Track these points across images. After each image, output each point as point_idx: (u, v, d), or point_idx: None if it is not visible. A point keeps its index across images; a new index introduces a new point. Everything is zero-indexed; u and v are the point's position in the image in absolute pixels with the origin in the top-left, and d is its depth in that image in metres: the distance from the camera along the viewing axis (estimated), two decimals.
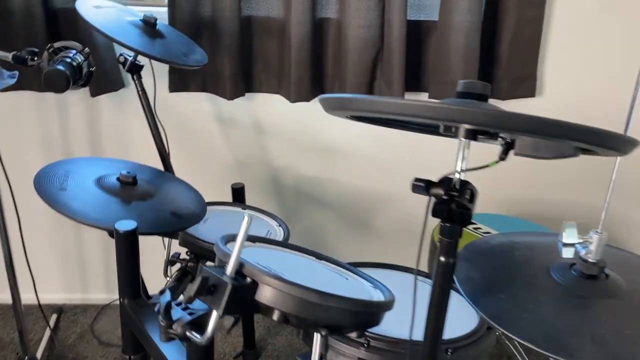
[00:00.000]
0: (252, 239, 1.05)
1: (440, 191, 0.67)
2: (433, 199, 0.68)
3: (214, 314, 0.82)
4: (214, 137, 2.07)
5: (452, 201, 0.67)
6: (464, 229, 1.68)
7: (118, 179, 1.32)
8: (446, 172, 0.67)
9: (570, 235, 0.81)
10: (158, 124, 1.60)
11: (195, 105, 2.02)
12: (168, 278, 1.58)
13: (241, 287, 0.81)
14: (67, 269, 2.27)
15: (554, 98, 2.04)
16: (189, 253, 1.58)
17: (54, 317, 2.20)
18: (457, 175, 0.67)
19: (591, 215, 2.21)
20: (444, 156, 2.08)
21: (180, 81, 1.92)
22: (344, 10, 1.84)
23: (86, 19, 1.32)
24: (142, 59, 1.56)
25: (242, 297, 0.82)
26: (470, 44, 1.83)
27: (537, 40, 1.94)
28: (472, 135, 0.66)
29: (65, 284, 2.29)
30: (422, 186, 0.67)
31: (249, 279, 0.83)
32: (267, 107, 2.04)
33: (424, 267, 1.82)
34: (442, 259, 0.72)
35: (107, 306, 2.29)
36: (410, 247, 2.24)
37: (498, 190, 2.16)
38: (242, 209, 1.70)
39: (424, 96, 2.01)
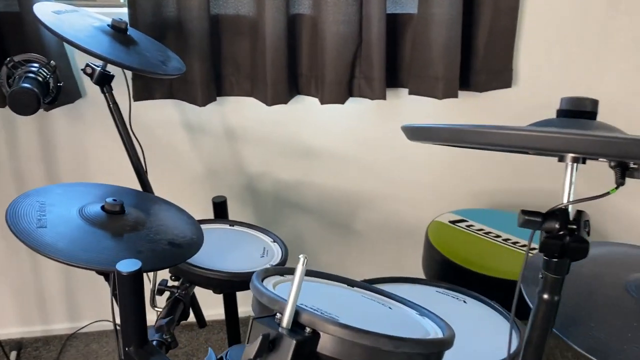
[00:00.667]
0: (282, 271, 0.95)
1: (554, 225, 0.59)
2: (542, 233, 0.60)
3: None
4: (183, 147, 1.92)
5: (567, 235, 0.60)
6: (456, 226, 1.64)
7: (103, 208, 1.17)
8: (556, 204, 0.60)
9: None
10: (133, 139, 1.44)
11: (160, 113, 1.86)
12: (156, 309, 1.43)
13: (304, 341, 0.70)
14: (23, 299, 2.05)
15: (528, 88, 2.04)
16: (173, 278, 1.45)
17: (13, 354, 1.99)
18: (564, 205, 0.60)
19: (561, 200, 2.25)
20: (422, 156, 2.06)
21: (145, 89, 1.76)
22: (320, 6, 1.73)
23: (53, 28, 1.14)
24: (111, 68, 1.39)
25: (304, 351, 0.71)
26: (452, 38, 1.78)
27: (513, 31, 1.92)
28: (581, 160, 0.58)
29: (22, 316, 2.08)
30: (538, 221, 0.59)
31: (308, 329, 0.72)
32: (239, 111, 1.91)
33: (418, 265, 1.78)
34: (546, 296, 0.65)
35: (72, 336, 2.10)
36: (390, 249, 2.21)
37: (473, 184, 2.15)
38: (230, 225, 1.57)
39: (403, 92, 1.94)
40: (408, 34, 1.87)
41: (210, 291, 1.36)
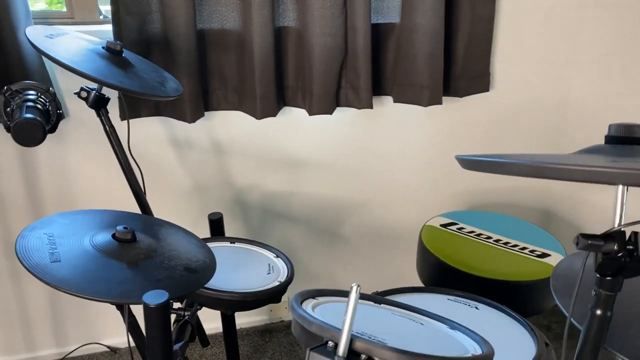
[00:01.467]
0: (314, 294, 0.96)
1: (613, 247, 0.63)
2: (599, 255, 0.64)
3: None
4: (172, 163, 1.89)
5: (624, 256, 0.63)
6: (448, 230, 1.68)
7: (114, 236, 1.15)
8: (610, 228, 0.64)
9: None
10: (131, 161, 1.41)
11: (147, 131, 1.83)
12: None
13: None
14: (6, 326, 1.97)
15: (505, 91, 2.11)
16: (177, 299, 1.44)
17: None
18: (617, 227, 0.63)
19: (546, 197, 2.35)
20: (408, 162, 2.10)
21: (131, 107, 1.72)
22: (306, 19, 1.74)
23: (51, 54, 1.11)
24: (105, 91, 1.36)
25: None
26: (436, 47, 1.83)
27: (490, 39, 1.98)
28: None
29: (6, 345, 2.00)
30: (598, 245, 0.62)
31: (363, 356, 0.74)
32: (226, 125, 1.90)
33: (411, 266, 1.82)
34: (599, 312, 0.68)
35: None
36: (380, 255, 2.24)
37: (457, 186, 2.21)
38: (231, 242, 1.57)
39: (387, 100, 1.98)
40: (391, 43, 1.90)
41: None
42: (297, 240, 2.13)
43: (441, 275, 1.66)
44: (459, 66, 1.96)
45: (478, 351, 0.84)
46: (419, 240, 1.78)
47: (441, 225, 1.84)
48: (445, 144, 2.12)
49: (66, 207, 1.84)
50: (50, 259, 1.05)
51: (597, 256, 0.65)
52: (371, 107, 1.87)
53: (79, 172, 1.81)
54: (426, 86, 1.86)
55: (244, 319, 2.21)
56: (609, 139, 0.65)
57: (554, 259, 1.62)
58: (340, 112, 1.95)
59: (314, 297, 0.96)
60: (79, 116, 1.72)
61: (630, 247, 0.63)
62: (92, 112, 1.72)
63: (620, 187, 0.62)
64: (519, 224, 1.87)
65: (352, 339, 0.74)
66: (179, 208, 1.94)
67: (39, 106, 1.12)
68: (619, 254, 0.63)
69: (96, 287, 1.01)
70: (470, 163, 0.66)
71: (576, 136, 2.19)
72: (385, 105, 2.00)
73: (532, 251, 1.69)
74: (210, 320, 1.92)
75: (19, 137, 1.03)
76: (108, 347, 2.11)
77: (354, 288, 0.74)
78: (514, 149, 2.21)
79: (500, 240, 1.76)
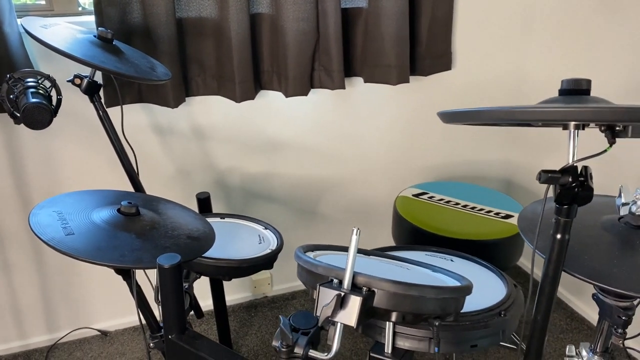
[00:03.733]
0: (312, 247, 1.07)
1: (568, 179, 0.76)
2: (557, 187, 0.77)
3: (339, 329, 0.85)
4: (155, 148, 1.96)
5: (577, 186, 0.77)
6: (419, 199, 1.82)
7: (119, 211, 1.23)
8: (564, 164, 0.77)
9: (626, 196, 0.97)
10: (125, 144, 1.49)
11: (130, 118, 1.90)
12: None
13: (366, 297, 0.84)
14: None
15: (465, 69, 2.27)
16: None
17: None
18: (571, 162, 0.77)
19: (507, 168, 2.53)
20: (381, 138, 2.23)
21: (116, 95, 1.79)
22: (280, 4, 1.84)
23: (52, 44, 1.18)
24: (98, 77, 1.43)
25: (365, 306, 0.85)
26: (401, 28, 1.95)
27: (450, 19, 2.12)
28: (581, 126, 0.75)
29: None
30: (556, 177, 0.75)
31: (365, 288, 0.86)
32: (206, 110, 1.99)
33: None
34: (559, 236, 0.82)
35: (53, 347, 2.09)
36: (357, 227, 2.36)
37: (427, 160, 2.36)
38: (221, 218, 1.67)
39: (358, 80, 2.10)
40: (359, 26, 2.02)
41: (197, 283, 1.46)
42: (279, 218, 2.24)
43: (416, 240, 1.80)
44: (423, 47, 2.10)
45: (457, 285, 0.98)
46: (393, 209, 1.91)
47: (413, 195, 1.98)
48: (413, 120, 2.26)
49: (54, 194, 1.89)
50: (64, 232, 1.13)
51: (556, 188, 0.79)
52: (344, 88, 1.99)
53: (64, 158, 1.86)
54: (394, 66, 1.99)
55: (229, 296, 2.31)
56: (562, 92, 0.79)
57: (517, 219, 1.79)
58: (315, 94, 2.06)
59: (312, 250, 1.08)
60: (62, 105, 1.78)
61: (582, 178, 0.77)
62: (77, 100, 1.79)
63: (572, 128, 0.75)
64: (484, 191, 2.03)
65: (354, 275, 0.87)
66: (164, 192, 2.02)
67: (41, 92, 1.19)
68: (573, 184, 0.76)
69: (111, 255, 1.10)
70: (449, 116, 0.78)
71: None
72: (357, 85, 2.12)
73: (496, 213, 1.85)
74: (200, 299, 2.01)
75: (28, 121, 1.10)
76: (99, 330, 2.17)
77: (355, 230, 0.86)
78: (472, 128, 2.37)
79: (468, 205, 1.91)
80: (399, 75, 2.02)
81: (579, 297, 2.26)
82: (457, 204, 1.92)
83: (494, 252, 1.73)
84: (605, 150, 0.75)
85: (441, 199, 1.95)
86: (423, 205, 1.91)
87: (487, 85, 2.34)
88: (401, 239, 1.89)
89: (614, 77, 1.93)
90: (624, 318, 0.99)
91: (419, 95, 2.23)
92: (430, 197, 1.97)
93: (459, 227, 1.76)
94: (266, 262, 1.46)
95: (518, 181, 2.51)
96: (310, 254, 1.03)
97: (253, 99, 1.94)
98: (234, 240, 1.54)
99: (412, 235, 1.81)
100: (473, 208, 1.89)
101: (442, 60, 2.19)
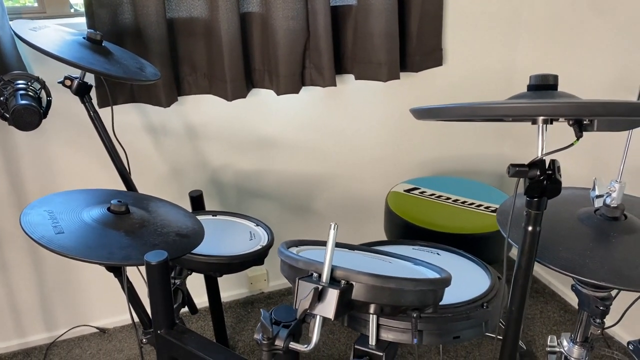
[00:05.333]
0: (296, 243, 1.10)
1: (536, 172, 0.78)
2: (526, 181, 0.79)
3: (318, 321, 0.87)
4: (148, 148, 1.99)
5: (545, 179, 0.79)
6: (411, 194, 1.85)
7: (109, 209, 1.26)
8: (534, 157, 0.79)
9: (600, 188, 0.99)
10: (116, 144, 1.52)
11: (122, 118, 1.92)
12: None
13: (343, 290, 0.86)
14: None
15: (456, 64, 2.28)
16: None
17: None
18: (540, 156, 0.79)
19: (501, 162, 2.54)
20: (372, 136, 2.25)
21: (107, 95, 1.81)
22: (269, 3, 1.86)
23: (39, 46, 1.20)
24: (88, 79, 1.46)
25: (343, 299, 0.87)
26: (390, 25, 1.97)
27: (440, 16, 2.14)
28: (549, 121, 0.77)
29: None
30: (524, 170, 0.77)
31: (343, 282, 0.88)
32: (197, 109, 2.01)
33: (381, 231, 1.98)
34: (530, 228, 0.84)
35: (52, 345, 2.12)
36: (349, 223, 2.39)
37: (417, 156, 2.37)
38: (213, 215, 1.69)
39: (349, 78, 2.12)
40: (349, 24, 2.04)
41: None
42: (272, 214, 2.26)
43: (407, 234, 1.82)
44: (413, 43, 2.12)
45: (438, 276, 1.00)
46: (385, 205, 1.93)
47: (405, 190, 2.00)
48: (404, 116, 2.28)
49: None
50: (54, 231, 1.15)
51: (525, 181, 0.80)
52: (335, 85, 2.01)
53: (58, 160, 1.89)
54: (384, 63, 2.01)
55: (225, 293, 2.34)
56: (530, 87, 0.81)
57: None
58: (306, 92, 2.08)
59: (296, 246, 1.10)
60: (54, 107, 1.80)
61: (550, 172, 0.79)
62: (69, 101, 1.81)
63: (541, 123, 0.77)
64: (475, 186, 2.05)
65: (332, 269, 0.89)
66: (157, 191, 2.04)
67: (31, 93, 1.21)
68: (541, 178, 0.78)
69: (99, 252, 1.12)
70: (420, 113, 0.80)
71: None
72: (348, 82, 2.14)
73: (486, 207, 1.87)
74: (195, 296, 2.04)
75: (18, 122, 1.12)
76: (97, 328, 2.20)
77: (332, 225, 0.88)
78: (461, 124, 2.39)
79: (458, 200, 1.93)
80: (390, 72, 2.03)
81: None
82: (448, 198, 1.94)
83: (483, 246, 1.75)
84: (572, 144, 0.77)
85: (432, 194, 1.97)
86: (414, 201, 1.93)
87: (478, 81, 2.35)
88: (393, 234, 1.91)
89: (603, 72, 1.94)
90: (601, 308, 1.01)
91: (410, 91, 2.25)
92: (422, 192, 1.99)
93: (449, 222, 1.78)
94: (256, 258, 1.48)
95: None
96: (294, 249, 1.05)
97: (245, 97, 1.96)
98: (225, 237, 1.56)
99: (403, 230, 1.83)
100: (463, 202, 1.91)
101: (432, 56, 2.20)
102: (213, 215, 1.69)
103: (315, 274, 0.90)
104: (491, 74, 2.36)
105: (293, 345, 0.90)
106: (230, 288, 2.36)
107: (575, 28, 2.04)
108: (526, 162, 0.80)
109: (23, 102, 1.14)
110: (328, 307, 0.85)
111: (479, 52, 2.30)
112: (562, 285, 2.32)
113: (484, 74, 2.35)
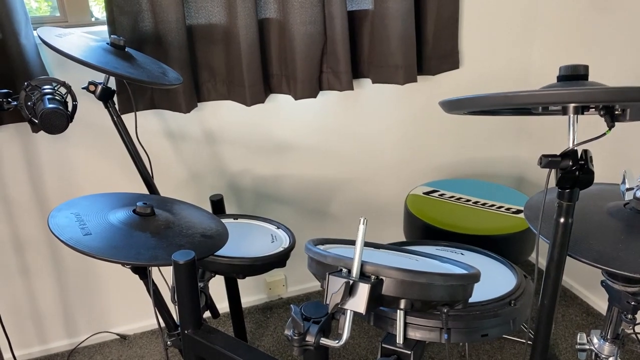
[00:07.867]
0: (322, 241, 1.10)
1: (569, 162, 0.78)
2: (559, 172, 0.79)
3: (349, 316, 0.87)
4: (167, 153, 2.00)
5: (578, 170, 0.78)
6: (430, 197, 1.85)
7: (135, 211, 1.27)
8: (565, 148, 0.79)
9: (630, 181, 0.98)
10: (139, 148, 1.53)
11: (143, 123, 1.94)
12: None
13: (374, 285, 0.86)
14: (19, 322, 2.07)
15: (473, 67, 2.28)
16: None
17: None
18: (571, 146, 0.78)
19: (518, 165, 2.53)
20: (389, 139, 2.25)
21: (129, 102, 1.83)
22: (287, 9, 1.88)
23: (65, 51, 1.23)
24: (111, 84, 1.48)
25: (374, 294, 0.87)
26: (407, 29, 1.98)
27: (456, 19, 2.14)
28: (580, 111, 0.77)
29: (19, 339, 2.09)
30: (556, 161, 0.77)
31: (373, 277, 0.88)
32: (217, 114, 2.02)
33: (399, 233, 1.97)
34: (562, 219, 0.84)
35: (74, 352, 2.14)
36: (367, 227, 2.38)
37: (434, 159, 2.37)
38: (234, 219, 1.70)
39: (366, 82, 2.13)
40: (366, 28, 2.05)
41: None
42: (290, 218, 2.27)
43: (428, 237, 1.81)
44: (430, 46, 2.12)
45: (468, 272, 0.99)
46: (404, 207, 1.93)
47: (424, 193, 2.00)
48: (421, 119, 2.28)
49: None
50: (82, 232, 1.16)
51: (557, 172, 0.80)
52: (352, 89, 2.02)
53: (79, 165, 1.91)
54: (401, 66, 2.01)
55: (244, 299, 2.34)
56: (560, 78, 0.80)
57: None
58: (324, 96, 2.09)
59: (322, 244, 1.10)
60: (77, 113, 1.83)
61: (582, 162, 0.79)
62: (91, 107, 1.84)
63: (572, 113, 0.77)
64: (494, 187, 2.04)
65: (362, 264, 0.89)
66: (177, 195, 2.06)
67: (57, 98, 1.23)
68: (574, 168, 0.78)
69: (127, 253, 1.13)
70: (450, 104, 0.80)
71: None
72: (365, 86, 2.15)
73: (507, 209, 1.86)
74: (216, 300, 2.04)
75: (46, 126, 1.14)
76: (118, 334, 2.21)
77: (362, 220, 0.88)
78: (481, 125, 2.39)
79: (479, 202, 1.92)
80: (407, 75, 2.04)
81: (595, 293, 2.25)
82: (468, 200, 1.93)
83: (505, 247, 1.73)
84: (604, 134, 0.76)
85: (452, 196, 1.97)
86: (434, 203, 1.92)
87: (494, 83, 2.35)
88: (413, 236, 1.90)
89: (622, 70, 1.93)
90: (633, 303, 0.99)
91: (427, 94, 2.25)
92: (441, 195, 1.98)
93: (470, 223, 1.77)
94: (279, 260, 1.48)
95: (529, 177, 2.51)
96: (320, 247, 1.06)
97: (263, 102, 1.97)
98: (247, 240, 1.57)
99: (423, 232, 1.82)
100: (484, 204, 1.90)
101: (449, 59, 2.21)
102: (234, 219, 1.70)
103: (344, 270, 0.90)
104: (507, 75, 2.35)
105: (324, 340, 0.90)
106: (249, 294, 2.36)
107: (592, 26, 2.04)
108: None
109: (51, 105, 1.15)
110: (359, 301, 0.85)
111: (495, 54, 2.30)
112: (583, 288, 2.30)
113: (500, 76, 2.34)
